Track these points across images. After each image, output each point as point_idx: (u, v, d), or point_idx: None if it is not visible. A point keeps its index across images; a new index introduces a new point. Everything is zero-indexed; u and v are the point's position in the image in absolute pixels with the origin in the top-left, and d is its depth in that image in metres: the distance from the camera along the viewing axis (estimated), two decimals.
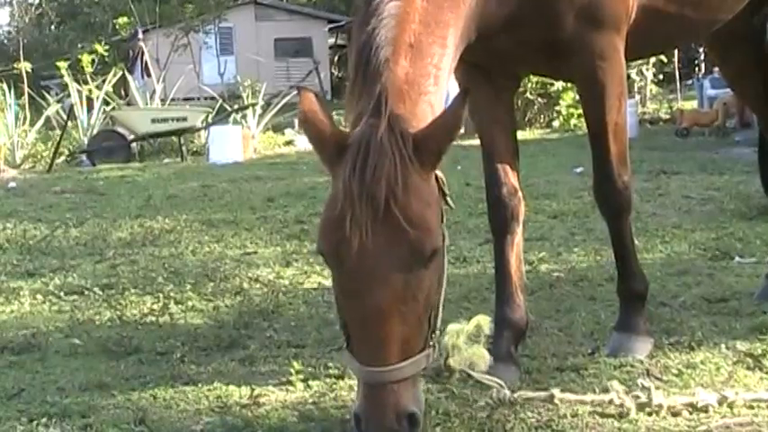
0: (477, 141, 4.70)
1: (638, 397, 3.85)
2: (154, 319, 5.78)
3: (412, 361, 3.18)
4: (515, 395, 3.93)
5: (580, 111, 20.91)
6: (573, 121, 20.55)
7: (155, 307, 6.02)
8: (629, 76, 21.75)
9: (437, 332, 3.34)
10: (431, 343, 3.28)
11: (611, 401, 3.85)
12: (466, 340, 3.74)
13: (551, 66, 4.44)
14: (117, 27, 31.38)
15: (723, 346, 4.60)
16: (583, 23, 4.12)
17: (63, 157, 18.61)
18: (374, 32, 3.40)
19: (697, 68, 26.62)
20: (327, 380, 4.42)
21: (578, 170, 11.58)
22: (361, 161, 3.13)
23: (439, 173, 3.35)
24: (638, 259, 4.76)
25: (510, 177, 4.52)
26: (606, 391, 3.96)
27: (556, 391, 3.95)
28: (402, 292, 3.14)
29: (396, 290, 3.13)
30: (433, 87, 3.48)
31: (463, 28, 3.71)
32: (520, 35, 4.05)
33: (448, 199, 3.41)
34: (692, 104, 21.75)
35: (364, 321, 3.18)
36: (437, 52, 3.54)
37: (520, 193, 4.58)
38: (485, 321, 3.82)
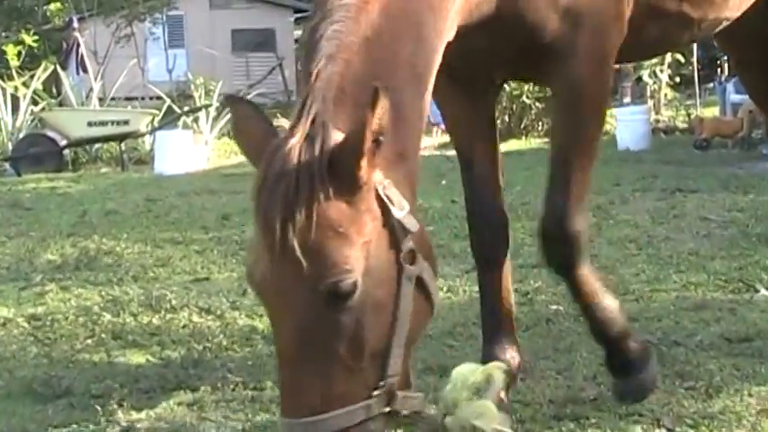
0: None
1: None
2: (88, 356, 5.77)
3: (335, 414, 3.07)
4: None
5: None
6: None
7: (89, 342, 6.01)
8: (640, 78, 22.08)
9: (388, 379, 3.19)
10: (375, 393, 3.16)
11: None
12: (470, 395, 3.67)
13: (532, 69, 4.37)
14: (48, 14, 31.30)
15: (745, 392, 4.64)
16: (569, 21, 4.09)
17: None
18: (318, 25, 3.31)
19: (719, 70, 26.77)
20: None
21: None
22: (261, 179, 3.09)
23: (385, 191, 3.17)
24: (604, 304, 4.50)
25: (494, 196, 4.54)
26: None
27: None
28: (306, 336, 3.05)
29: (297, 333, 3.06)
30: (408, 88, 3.40)
31: (443, 21, 3.61)
32: (499, 33, 4.00)
33: (405, 222, 3.20)
34: (713, 111, 21.89)
35: (277, 364, 3.18)
36: (408, 47, 3.43)
37: (506, 214, 4.60)
38: (498, 372, 3.74)
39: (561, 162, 4.29)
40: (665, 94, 22.78)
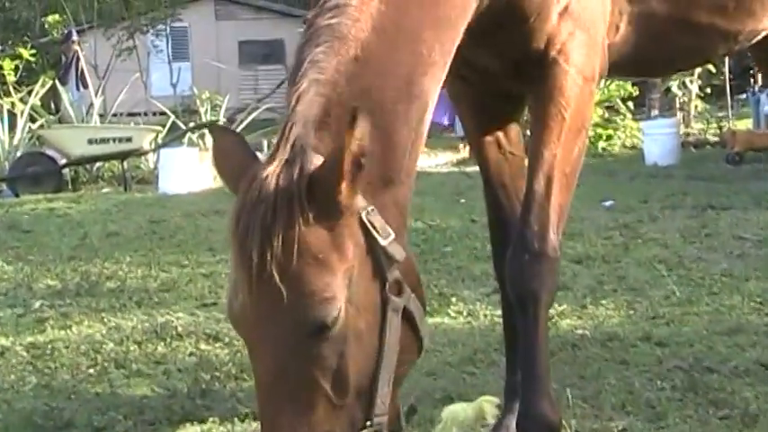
0: None
1: None
2: (90, 386, 5.79)
3: None
4: None
5: (609, 131, 21.19)
6: (601, 144, 20.65)
7: (91, 371, 6.02)
8: (669, 90, 22.06)
9: (375, 419, 3.16)
10: None
11: None
12: (460, 431, 3.65)
13: (520, 78, 4.18)
14: (46, 26, 31.51)
15: None
16: (566, 25, 3.98)
17: None
18: (305, 46, 3.28)
19: (752, 80, 26.72)
20: None
21: (608, 204, 11.61)
22: (239, 206, 3.08)
23: (368, 217, 3.14)
24: (549, 372, 4.08)
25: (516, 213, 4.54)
26: None
27: None
28: (287, 369, 3.04)
29: (277, 365, 3.05)
30: (402, 109, 3.34)
31: (447, 33, 3.53)
32: (492, 40, 3.93)
33: (390, 250, 3.17)
34: (746, 124, 21.87)
35: (257, 399, 3.16)
36: (405, 65, 3.37)
37: None
38: (488, 405, 3.73)
39: (542, 178, 4.02)
40: (695, 106, 22.78)
